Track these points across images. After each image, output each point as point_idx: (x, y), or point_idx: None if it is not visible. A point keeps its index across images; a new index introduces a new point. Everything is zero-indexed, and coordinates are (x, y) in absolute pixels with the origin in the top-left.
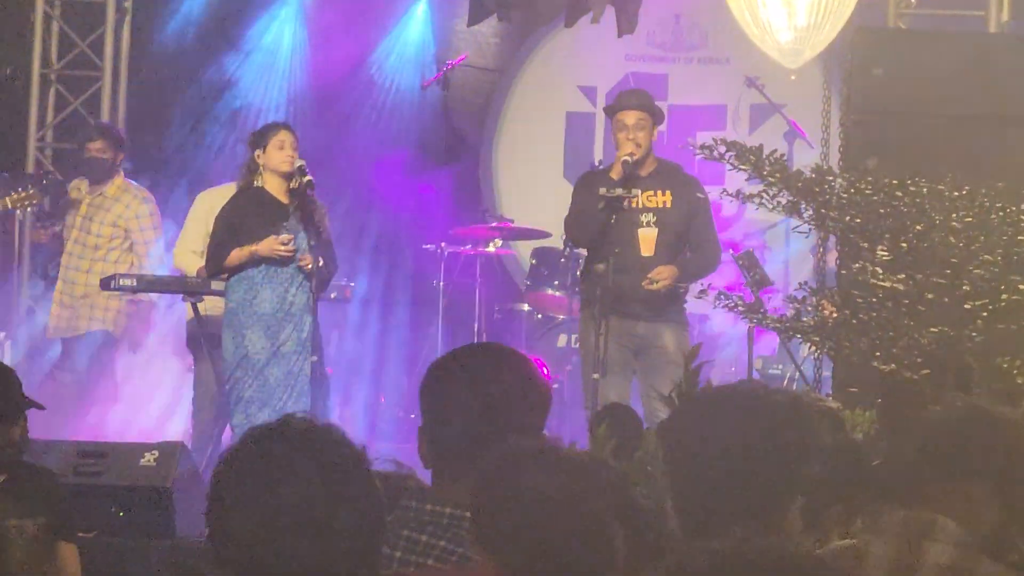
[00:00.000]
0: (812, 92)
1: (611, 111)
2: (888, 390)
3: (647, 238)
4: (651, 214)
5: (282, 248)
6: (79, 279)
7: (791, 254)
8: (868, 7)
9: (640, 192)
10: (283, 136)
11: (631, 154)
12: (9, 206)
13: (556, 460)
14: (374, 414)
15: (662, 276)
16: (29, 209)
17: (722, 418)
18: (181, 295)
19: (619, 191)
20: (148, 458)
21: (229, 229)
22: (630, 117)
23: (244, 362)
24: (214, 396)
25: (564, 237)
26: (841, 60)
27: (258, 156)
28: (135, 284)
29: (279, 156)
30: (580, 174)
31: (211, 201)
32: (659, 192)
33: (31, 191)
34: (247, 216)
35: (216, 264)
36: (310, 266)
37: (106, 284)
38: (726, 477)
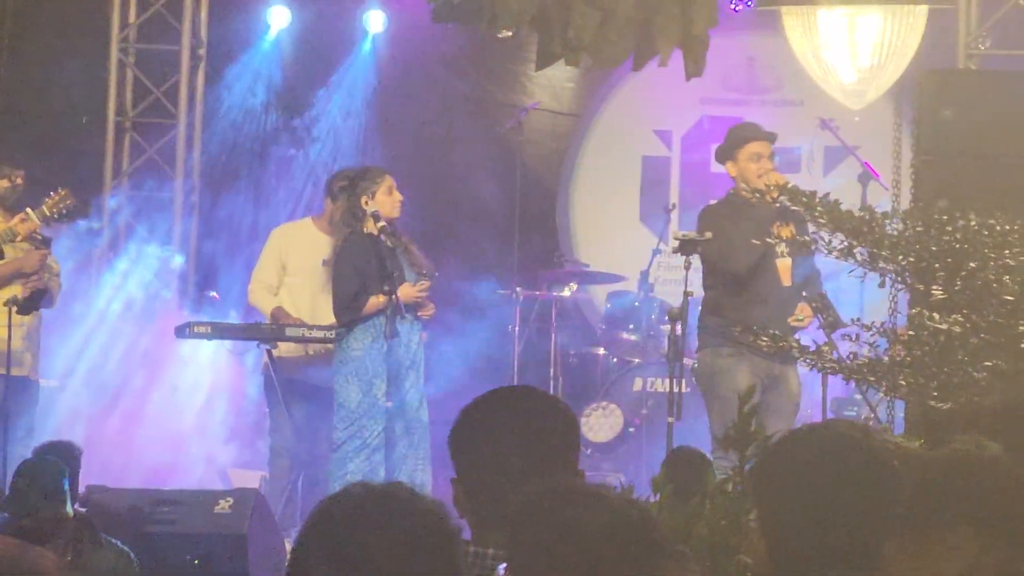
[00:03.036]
0: (885, 134)
1: (743, 139)
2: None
3: (785, 267)
4: (783, 244)
5: (422, 294)
6: None
7: (866, 296)
8: (940, 48)
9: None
10: (391, 181)
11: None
12: (47, 213)
13: (594, 496)
14: (448, 460)
15: (807, 315)
16: (65, 211)
17: (813, 461)
18: (256, 342)
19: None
20: (223, 505)
21: (360, 277)
22: (767, 148)
23: (373, 410)
24: (291, 442)
25: (639, 280)
26: (912, 101)
27: (365, 202)
28: (210, 331)
29: (390, 201)
30: (655, 216)
31: (285, 238)
32: (783, 222)
33: (62, 191)
34: (371, 264)
35: (354, 314)
36: (431, 313)
37: (181, 331)
38: (819, 522)
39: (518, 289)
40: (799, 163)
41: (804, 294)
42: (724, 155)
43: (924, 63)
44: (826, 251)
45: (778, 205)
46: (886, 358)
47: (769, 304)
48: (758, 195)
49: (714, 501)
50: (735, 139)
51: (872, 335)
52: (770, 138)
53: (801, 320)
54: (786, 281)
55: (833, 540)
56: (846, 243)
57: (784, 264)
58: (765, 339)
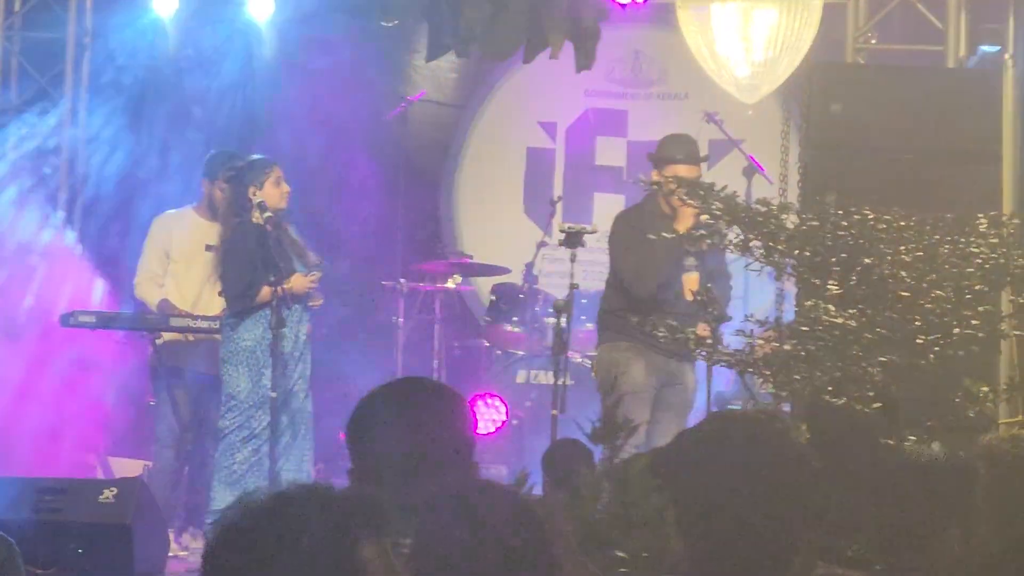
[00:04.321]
0: (771, 127)
1: (666, 162)
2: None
3: (690, 280)
4: (692, 258)
5: (313, 284)
6: None
7: (750, 290)
8: (826, 43)
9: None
10: (278, 172)
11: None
12: None
13: (501, 493)
14: (333, 451)
15: (708, 333)
16: None
17: (735, 452)
18: (142, 331)
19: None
20: (107, 495)
21: (253, 266)
22: (691, 172)
23: (262, 400)
24: (176, 432)
25: (523, 273)
26: (800, 95)
27: (253, 192)
28: (95, 320)
29: (277, 193)
30: (540, 208)
31: (167, 226)
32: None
33: None
34: (262, 253)
35: (248, 302)
36: (319, 303)
37: (65, 320)
38: (741, 516)
39: (401, 280)
40: None
41: (692, 291)
42: (653, 163)
43: (813, 57)
44: (721, 245)
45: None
46: (784, 351)
47: (669, 316)
48: (654, 187)
49: (585, 495)
50: (662, 156)
51: (767, 330)
52: (695, 161)
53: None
54: (689, 296)
55: (754, 535)
56: (742, 237)
57: (691, 278)
58: (662, 330)
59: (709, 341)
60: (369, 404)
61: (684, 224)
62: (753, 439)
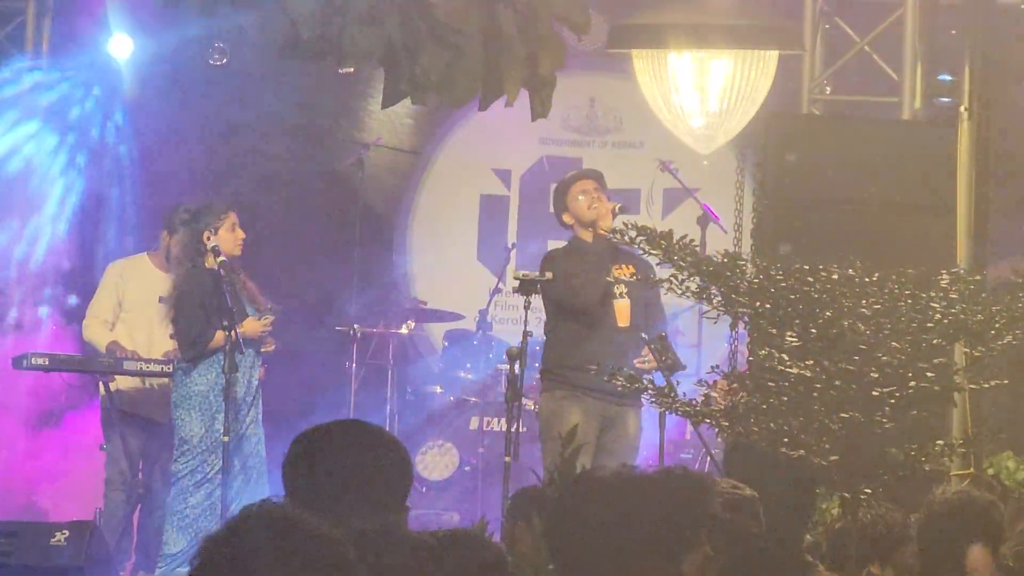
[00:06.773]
0: (726, 177)
1: (567, 185)
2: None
3: (622, 308)
4: (622, 285)
5: (266, 329)
6: None
7: (704, 338)
8: (782, 93)
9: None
10: (234, 218)
11: (613, 210)
12: None
13: (401, 538)
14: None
15: (652, 359)
16: None
17: (594, 499)
18: (94, 373)
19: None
20: (59, 537)
21: (206, 312)
22: (590, 184)
23: (215, 444)
24: (127, 476)
25: (477, 319)
26: (755, 145)
27: (207, 237)
28: (47, 363)
29: (232, 238)
30: (494, 255)
31: (121, 271)
32: (624, 265)
33: None
34: (216, 298)
35: (200, 349)
36: (272, 348)
37: (18, 362)
38: (602, 554)
39: (355, 326)
40: (638, 205)
41: (644, 336)
42: (558, 208)
43: (769, 107)
44: (680, 292)
45: (617, 245)
46: (743, 403)
47: (606, 345)
48: (615, 236)
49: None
50: (561, 189)
51: (727, 381)
52: (591, 175)
53: (646, 362)
54: (623, 322)
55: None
56: (702, 285)
57: (622, 305)
58: (620, 379)
59: (667, 391)
60: (304, 444)
61: (606, 224)
62: (605, 495)
